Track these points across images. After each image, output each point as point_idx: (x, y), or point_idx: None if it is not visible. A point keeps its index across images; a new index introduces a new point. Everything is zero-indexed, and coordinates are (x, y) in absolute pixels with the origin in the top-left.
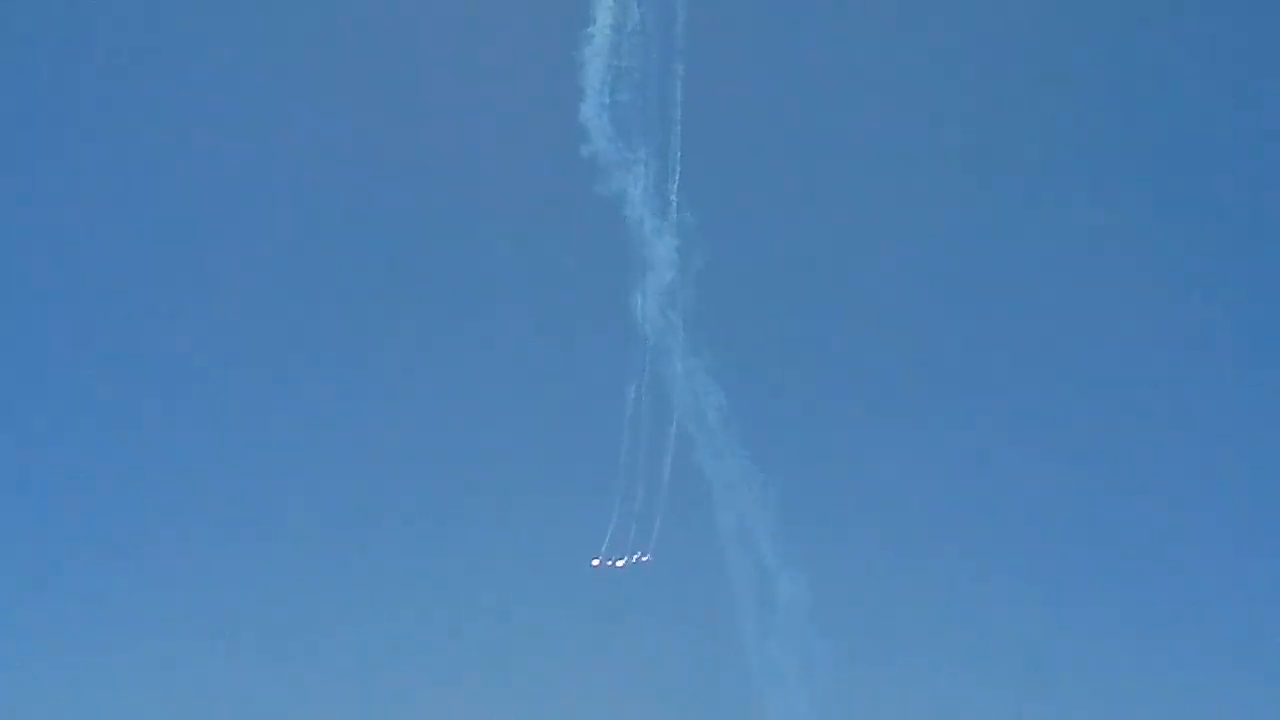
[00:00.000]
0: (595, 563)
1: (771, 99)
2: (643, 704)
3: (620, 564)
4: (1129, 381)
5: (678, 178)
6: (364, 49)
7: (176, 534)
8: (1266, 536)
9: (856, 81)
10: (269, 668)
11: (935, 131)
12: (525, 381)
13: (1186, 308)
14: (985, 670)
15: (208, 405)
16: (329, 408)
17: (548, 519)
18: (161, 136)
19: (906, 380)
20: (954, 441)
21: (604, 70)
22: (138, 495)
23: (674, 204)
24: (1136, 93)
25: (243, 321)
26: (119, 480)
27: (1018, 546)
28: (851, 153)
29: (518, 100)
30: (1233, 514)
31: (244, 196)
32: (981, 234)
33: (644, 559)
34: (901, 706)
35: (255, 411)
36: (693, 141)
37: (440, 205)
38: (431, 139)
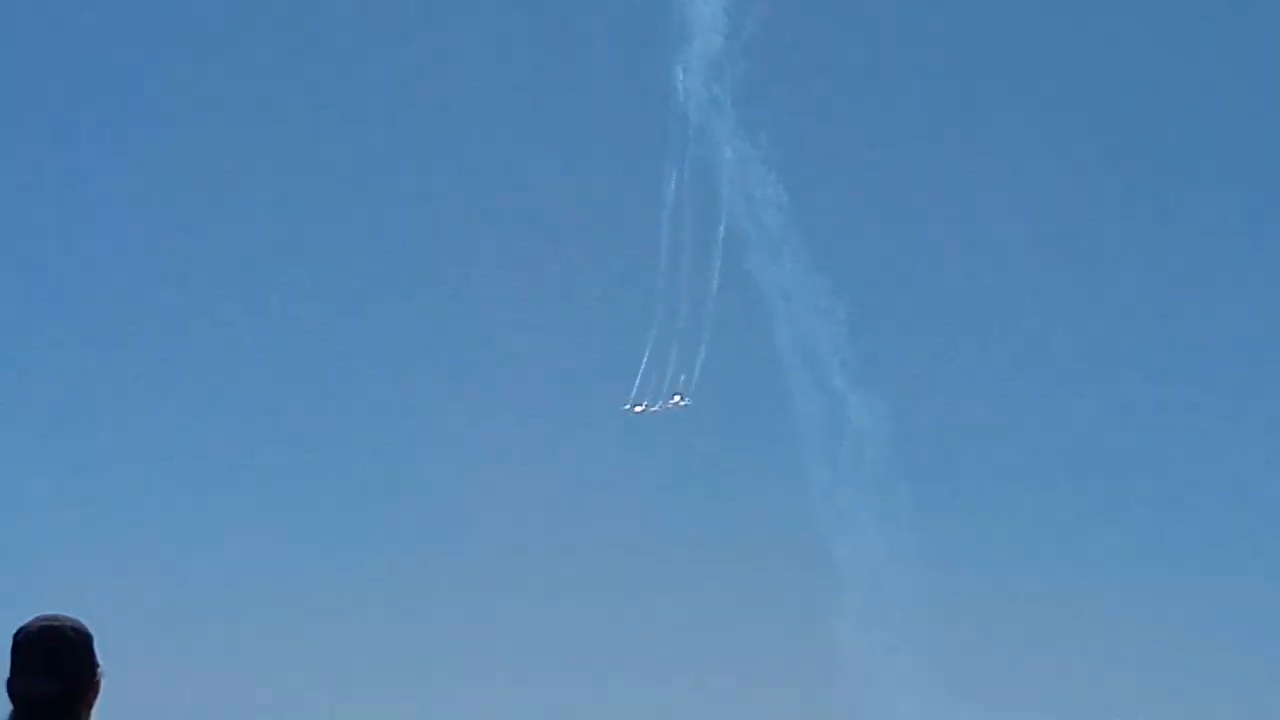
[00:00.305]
0: (635, 408)
1: None
2: (692, 561)
3: (644, 409)
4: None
5: None
6: None
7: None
8: None
9: None
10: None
11: None
12: (541, 172)
13: None
14: (1100, 502)
15: None
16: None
17: (573, 344)
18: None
19: (1005, 163)
20: (1059, 237)
21: None
22: None
23: None
24: None
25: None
26: None
27: (1125, 362)
28: None
29: None
30: None
31: None
32: None
33: (680, 403)
34: (995, 556)
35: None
36: None
37: None
38: None
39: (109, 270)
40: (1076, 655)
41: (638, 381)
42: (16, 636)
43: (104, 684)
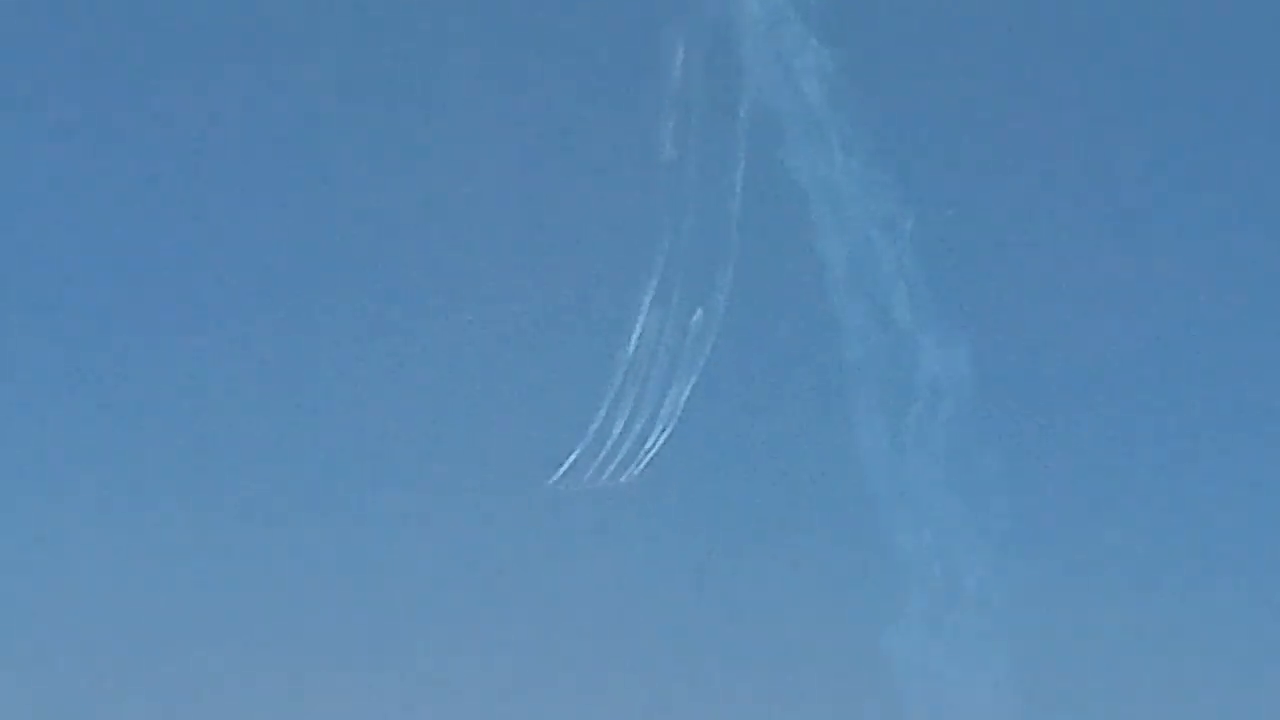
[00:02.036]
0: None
1: None
2: (716, 551)
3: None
4: None
5: None
6: None
7: None
8: None
9: None
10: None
11: None
12: (517, 44)
13: None
14: (1247, 481)
15: None
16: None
17: (553, 269)
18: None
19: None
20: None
21: None
22: None
23: None
24: None
25: None
26: None
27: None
28: None
29: None
30: None
31: None
32: None
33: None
34: (1106, 548)
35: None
36: None
37: None
38: None
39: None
40: (1205, 681)
41: (639, 327)
42: None
43: None
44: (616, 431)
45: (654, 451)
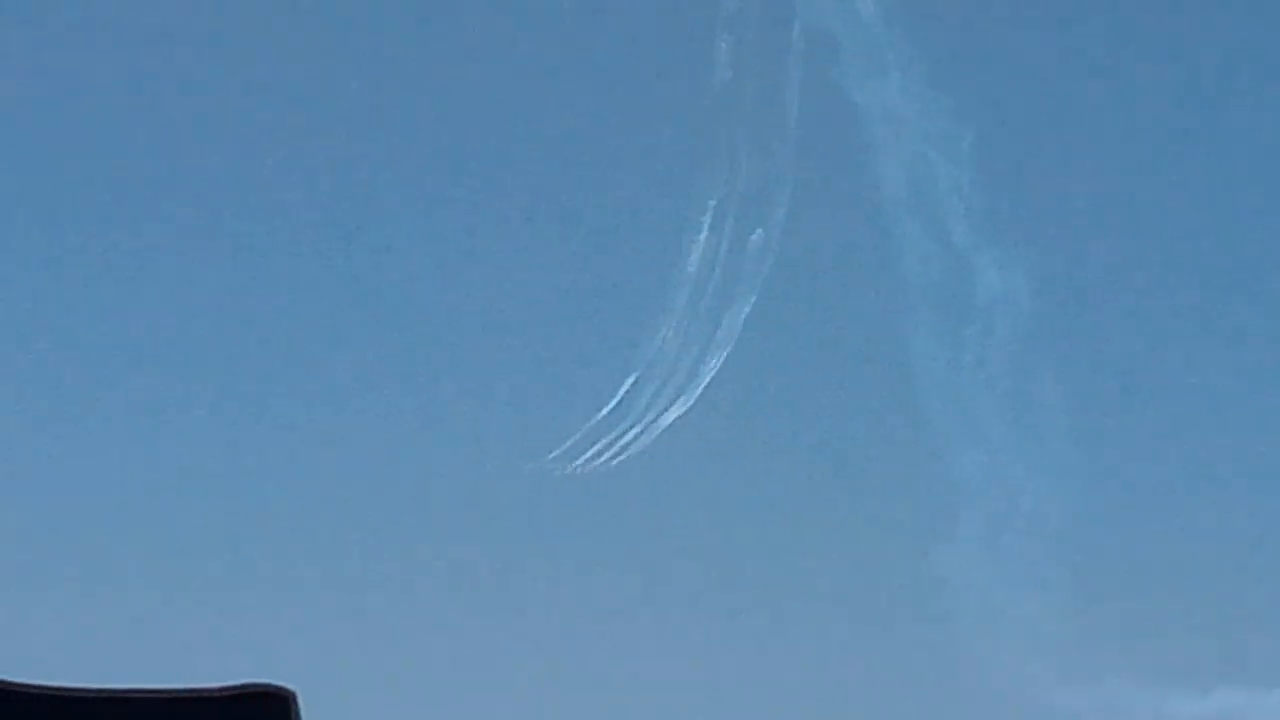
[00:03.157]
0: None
1: None
2: (770, 471)
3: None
4: None
5: None
6: None
7: None
8: None
9: None
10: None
11: None
12: None
13: None
14: None
15: None
16: None
17: (613, 207)
18: None
19: None
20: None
21: None
22: None
23: None
24: None
25: None
26: None
27: None
28: None
29: None
30: None
31: None
32: None
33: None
34: (1168, 476)
35: None
36: None
37: None
38: None
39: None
40: (1264, 605)
41: (699, 250)
42: None
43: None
44: (675, 354)
45: (713, 373)
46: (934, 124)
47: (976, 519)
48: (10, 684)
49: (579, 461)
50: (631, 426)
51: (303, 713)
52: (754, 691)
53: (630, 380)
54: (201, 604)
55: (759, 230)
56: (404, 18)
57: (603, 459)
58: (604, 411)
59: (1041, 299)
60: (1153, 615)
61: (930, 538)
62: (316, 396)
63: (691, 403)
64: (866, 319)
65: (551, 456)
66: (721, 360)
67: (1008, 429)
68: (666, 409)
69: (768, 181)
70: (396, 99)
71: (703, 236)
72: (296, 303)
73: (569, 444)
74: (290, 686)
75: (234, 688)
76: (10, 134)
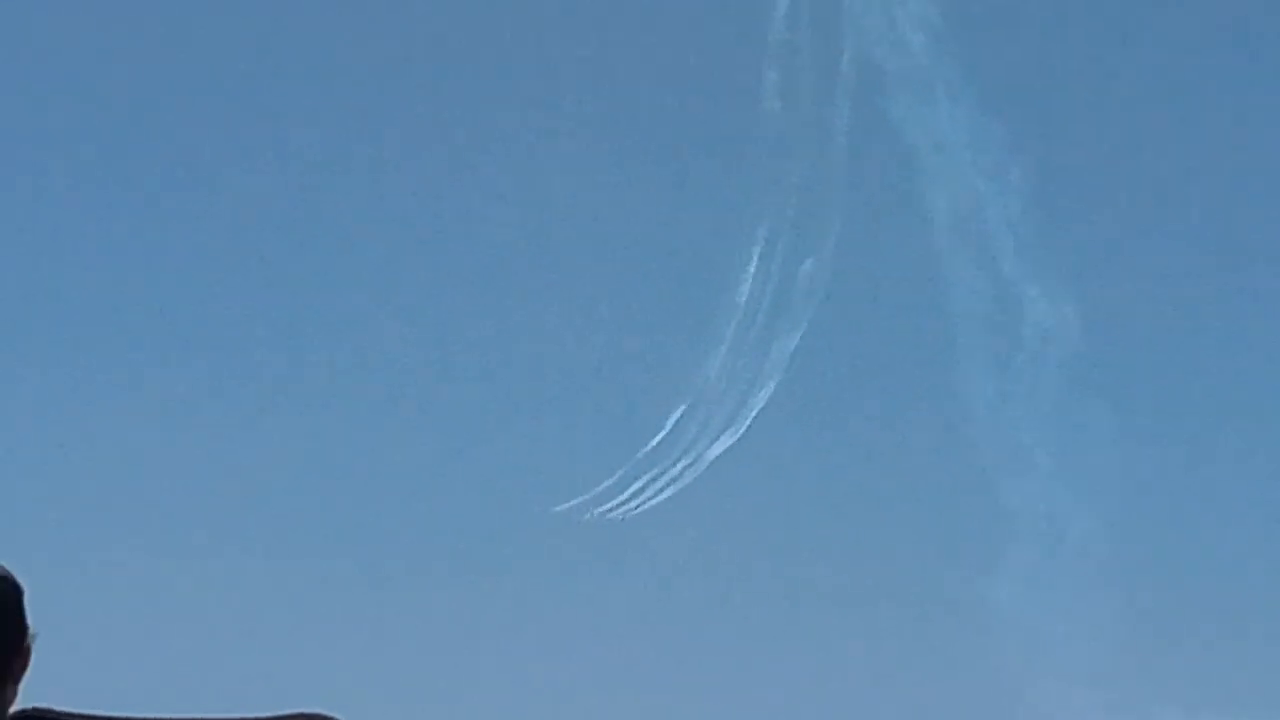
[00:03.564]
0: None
1: None
2: (817, 501)
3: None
4: None
5: None
6: None
7: None
8: None
9: None
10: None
11: None
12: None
13: None
14: None
15: None
16: None
17: (665, 237)
18: None
19: None
20: None
21: None
22: None
23: None
24: None
25: None
26: None
27: None
28: None
29: None
30: None
31: None
32: None
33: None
34: (1219, 504)
35: None
36: None
37: None
38: None
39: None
40: None
41: (748, 283)
42: None
43: (34, 652)
44: (723, 385)
45: (762, 404)
46: (984, 154)
47: (1024, 548)
48: (57, 713)
49: (626, 495)
50: (680, 459)
51: None
52: (796, 694)
53: (679, 411)
54: (238, 636)
55: (808, 260)
56: (454, 68)
57: (649, 494)
58: (653, 443)
59: (1090, 329)
60: (1201, 644)
61: (978, 566)
62: (372, 440)
63: (740, 433)
64: (916, 349)
65: (601, 488)
66: (770, 390)
67: (1056, 458)
68: (715, 440)
69: (817, 212)
70: (452, 140)
71: (752, 267)
72: (352, 335)
73: (618, 476)
74: (338, 716)
75: (281, 717)
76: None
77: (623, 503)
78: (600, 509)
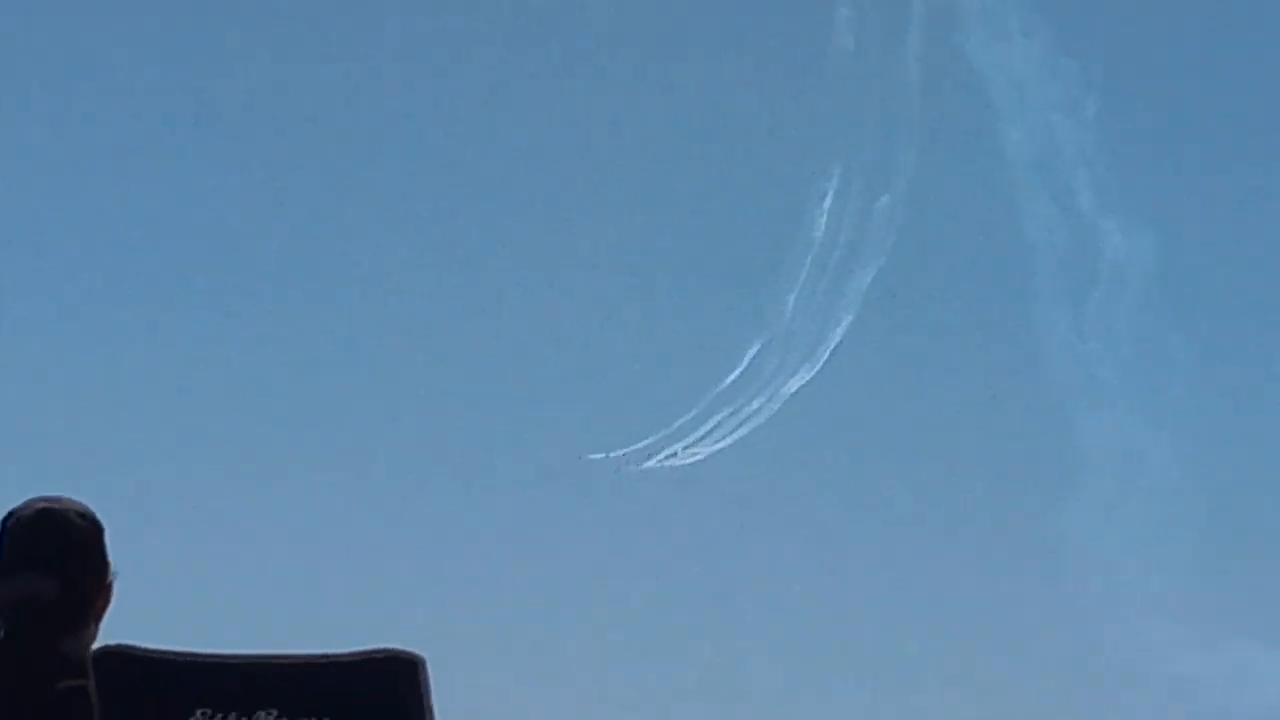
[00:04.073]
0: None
1: None
2: (893, 433)
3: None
4: None
5: None
6: None
7: None
8: None
9: None
10: None
11: None
12: None
13: None
14: None
15: None
16: None
17: (740, 173)
18: None
19: None
20: None
21: None
22: None
23: None
24: None
25: None
26: None
27: None
28: None
29: None
30: None
31: None
32: None
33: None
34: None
35: None
36: None
37: None
38: None
39: None
40: None
41: (824, 219)
42: (5, 523)
43: (116, 590)
44: (799, 321)
45: (837, 340)
46: (1059, 89)
47: (1101, 480)
48: (139, 650)
49: (702, 432)
50: (756, 395)
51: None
52: (877, 651)
53: (754, 349)
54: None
55: (883, 197)
56: None
57: (725, 430)
58: (730, 379)
59: (1167, 263)
60: (1277, 583)
61: (1055, 500)
62: (439, 380)
63: (816, 370)
64: (991, 284)
65: (677, 425)
66: (846, 327)
67: (1133, 392)
68: (792, 376)
69: (892, 148)
70: (516, 70)
71: (828, 203)
72: (416, 279)
73: (694, 413)
74: (418, 653)
75: (363, 653)
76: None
77: (699, 439)
78: (679, 446)
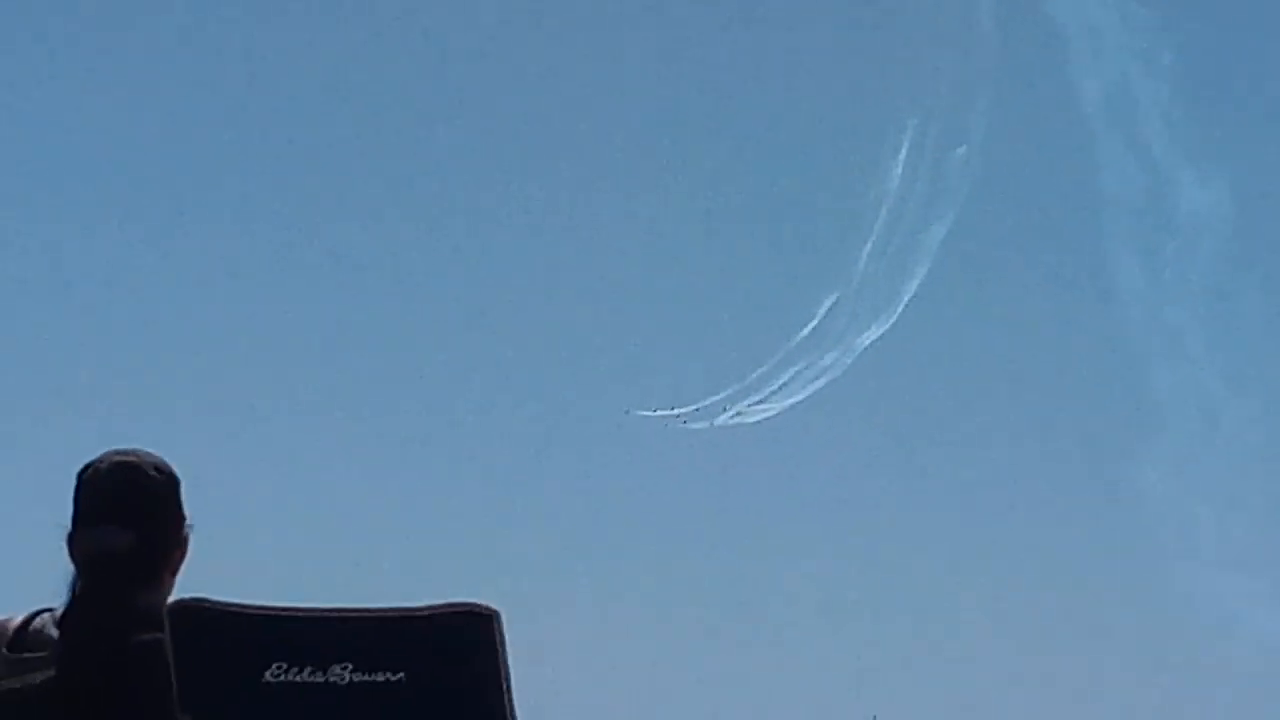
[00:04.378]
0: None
1: None
2: (965, 384)
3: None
4: None
5: None
6: None
7: None
8: None
9: None
10: None
11: None
12: None
13: None
14: None
15: None
16: None
17: (814, 125)
18: None
19: None
20: None
21: None
22: None
23: None
24: None
25: None
26: None
27: None
28: None
29: None
30: None
31: None
32: None
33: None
34: None
35: None
36: None
37: None
38: None
39: None
40: None
41: (898, 170)
42: (81, 475)
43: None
44: (874, 274)
45: (912, 293)
46: (1135, 39)
47: (1176, 434)
48: (213, 603)
49: (777, 385)
50: (830, 349)
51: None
52: (952, 604)
53: (829, 301)
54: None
55: (958, 148)
56: None
57: (801, 383)
58: (804, 332)
59: (1243, 215)
60: None
61: (1129, 453)
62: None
63: (891, 322)
64: (1066, 235)
65: (753, 377)
66: (920, 279)
67: (1208, 345)
68: (866, 330)
69: (967, 99)
70: (611, 42)
71: (902, 154)
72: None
73: (767, 367)
74: (492, 605)
75: (437, 606)
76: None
77: (774, 392)
78: (751, 401)
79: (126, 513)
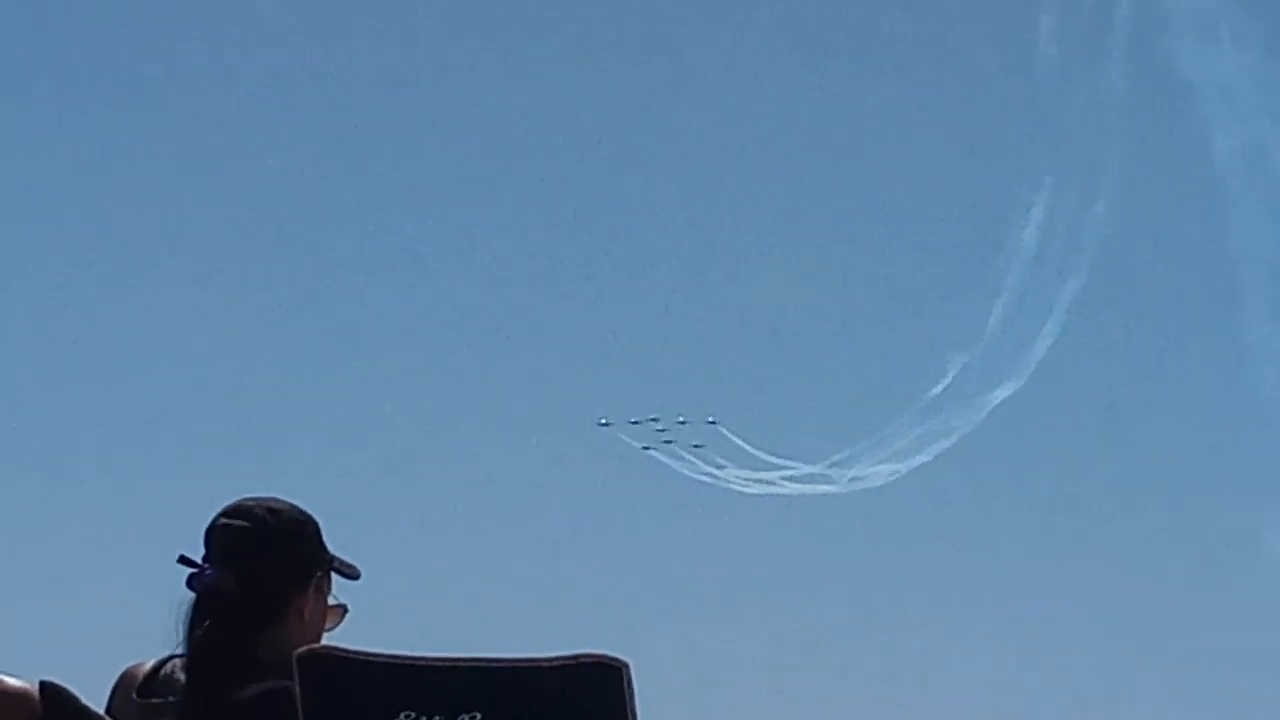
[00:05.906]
0: None
1: None
2: (1089, 441)
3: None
4: None
5: None
6: None
7: None
8: None
9: None
10: None
11: None
12: None
13: None
14: None
15: None
16: None
17: (948, 180)
18: None
19: None
20: None
21: None
22: None
23: None
24: None
25: None
26: None
27: None
28: None
29: None
30: None
31: None
32: None
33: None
34: None
35: None
36: None
37: None
38: None
39: None
40: None
41: (1031, 229)
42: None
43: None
44: (1006, 332)
45: (1044, 351)
46: (1268, 95)
47: None
48: (342, 650)
49: (908, 441)
50: (961, 407)
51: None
52: (1079, 654)
53: (962, 360)
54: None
55: (1091, 206)
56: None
57: (932, 439)
58: (936, 390)
59: None
60: None
61: (1259, 508)
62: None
63: (1023, 381)
64: (1199, 295)
65: (886, 431)
66: (1053, 337)
67: None
68: (997, 387)
69: (1099, 157)
70: (756, 103)
71: (1035, 213)
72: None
73: (899, 423)
74: (622, 657)
75: (567, 657)
76: None
77: (901, 451)
78: (882, 458)
79: (229, 554)
